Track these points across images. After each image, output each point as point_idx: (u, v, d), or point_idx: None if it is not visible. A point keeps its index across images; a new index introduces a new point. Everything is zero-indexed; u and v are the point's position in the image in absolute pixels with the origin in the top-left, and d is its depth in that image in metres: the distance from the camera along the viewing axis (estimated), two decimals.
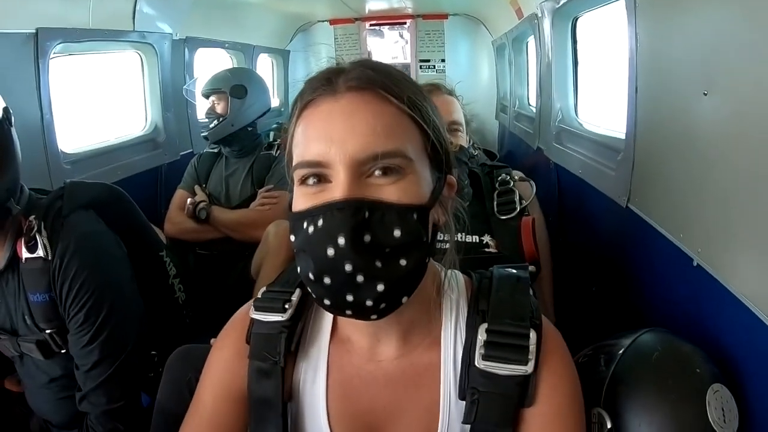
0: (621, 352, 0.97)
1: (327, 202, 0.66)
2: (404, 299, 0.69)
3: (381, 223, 0.66)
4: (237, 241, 2.32)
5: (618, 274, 1.66)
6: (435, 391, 0.78)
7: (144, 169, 2.68)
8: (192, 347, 1.20)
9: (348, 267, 0.64)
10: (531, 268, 0.85)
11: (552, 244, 1.70)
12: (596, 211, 1.95)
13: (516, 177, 1.64)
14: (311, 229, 0.67)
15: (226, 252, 2.35)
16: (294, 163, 0.71)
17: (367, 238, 0.65)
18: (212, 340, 1.19)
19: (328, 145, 0.67)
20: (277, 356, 0.80)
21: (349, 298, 0.67)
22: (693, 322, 1.16)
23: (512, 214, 1.51)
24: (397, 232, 0.66)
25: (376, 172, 0.67)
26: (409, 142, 0.69)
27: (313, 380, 0.82)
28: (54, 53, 1.98)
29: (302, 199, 0.70)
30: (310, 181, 0.69)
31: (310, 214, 0.67)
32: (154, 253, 1.56)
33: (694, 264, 1.15)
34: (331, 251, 0.64)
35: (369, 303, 0.67)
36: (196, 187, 2.44)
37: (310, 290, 0.71)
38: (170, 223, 2.38)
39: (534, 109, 3.13)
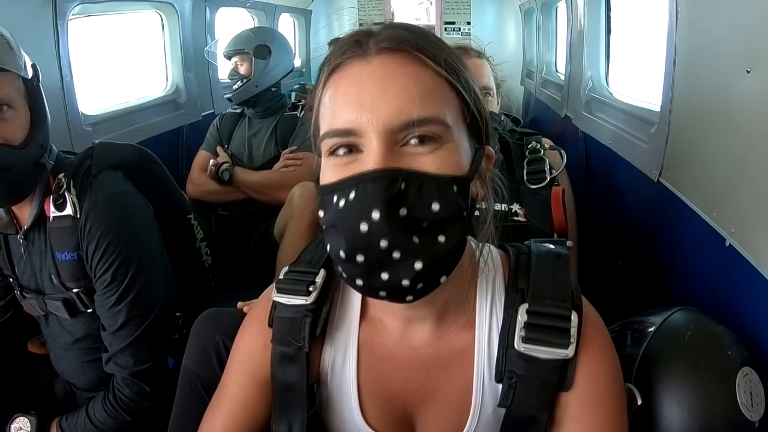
0: (653, 329, 0.96)
1: (359, 173, 0.61)
2: (443, 279, 0.64)
3: (418, 195, 0.60)
4: (259, 202, 2.33)
5: (645, 250, 1.64)
6: (469, 373, 0.75)
7: (165, 131, 2.67)
8: (219, 310, 1.18)
9: (383, 243, 0.59)
10: (569, 243, 0.82)
11: (576, 214, 1.67)
12: (625, 184, 1.91)
13: (546, 145, 1.61)
14: (342, 203, 0.61)
15: (249, 213, 2.36)
16: (322, 133, 0.66)
17: (403, 211, 0.59)
18: (240, 303, 1.20)
19: (358, 111, 0.62)
20: (301, 341, 0.77)
21: (384, 276, 0.61)
22: (721, 303, 1.14)
23: (542, 184, 1.48)
24: (435, 206, 0.61)
25: (412, 141, 0.62)
26: (447, 108, 0.64)
27: (343, 363, 0.80)
28: (72, 14, 1.95)
29: (331, 170, 0.64)
30: (340, 151, 0.64)
31: (341, 186, 0.62)
32: (182, 216, 1.56)
33: (726, 244, 1.13)
34: (364, 227, 0.59)
35: (405, 282, 0.61)
36: (219, 148, 2.44)
37: (340, 269, 0.66)
38: (192, 184, 2.38)
39: (562, 77, 3.06)
